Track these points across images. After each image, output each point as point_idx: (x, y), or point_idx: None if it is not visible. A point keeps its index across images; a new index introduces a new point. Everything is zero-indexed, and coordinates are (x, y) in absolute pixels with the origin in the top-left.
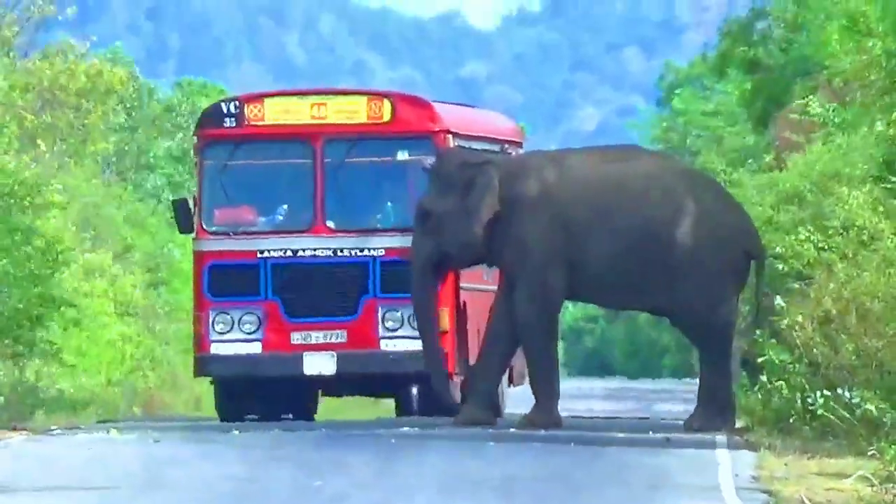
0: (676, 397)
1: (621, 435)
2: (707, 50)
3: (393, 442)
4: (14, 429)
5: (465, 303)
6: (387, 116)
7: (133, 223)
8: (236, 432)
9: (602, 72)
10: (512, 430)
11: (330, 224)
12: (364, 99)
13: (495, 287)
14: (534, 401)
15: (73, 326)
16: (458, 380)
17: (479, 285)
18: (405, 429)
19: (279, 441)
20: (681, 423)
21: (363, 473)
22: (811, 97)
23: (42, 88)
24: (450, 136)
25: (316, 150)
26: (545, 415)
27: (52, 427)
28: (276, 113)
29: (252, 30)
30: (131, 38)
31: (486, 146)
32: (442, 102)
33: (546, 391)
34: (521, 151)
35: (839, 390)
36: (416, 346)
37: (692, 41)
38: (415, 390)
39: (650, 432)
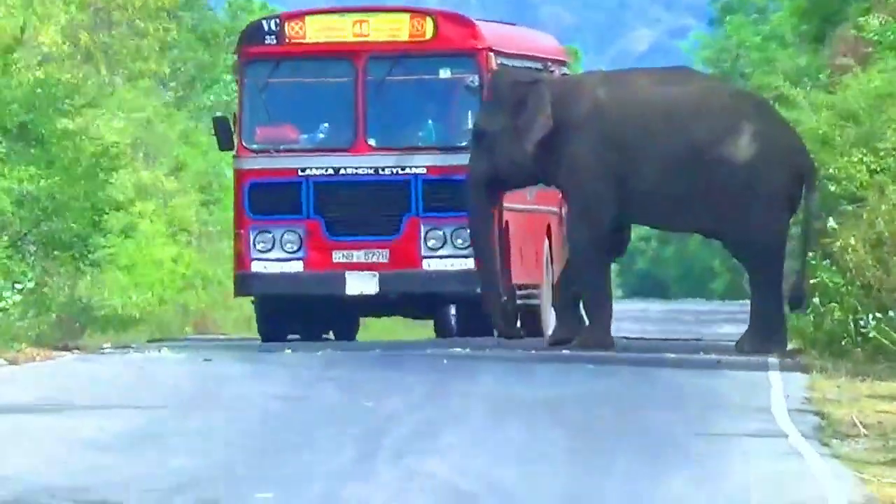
0: (728, 319)
1: (672, 356)
2: None
3: (445, 363)
4: (65, 347)
5: (507, 223)
6: (429, 34)
7: (186, 141)
8: (288, 352)
9: None
10: (565, 350)
11: (371, 142)
12: (406, 16)
13: (538, 207)
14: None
15: (125, 237)
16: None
17: (521, 205)
18: (457, 349)
19: (330, 361)
20: (732, 344)
21: (415, 395)
22: (868, 15)
23: (97, 7)
24: (492, 54)
25: (357, 68)
26: (598, 335)
27: (104, 346)
28: (318, 31)
29: None
30: None
31: (529, 64)
32: (485, 20)
33: (598, 311)
34: (564, 70)
35: (891, 312)
36: (459, 265)
37: None
38: (453, 310)
39: (701, 354)
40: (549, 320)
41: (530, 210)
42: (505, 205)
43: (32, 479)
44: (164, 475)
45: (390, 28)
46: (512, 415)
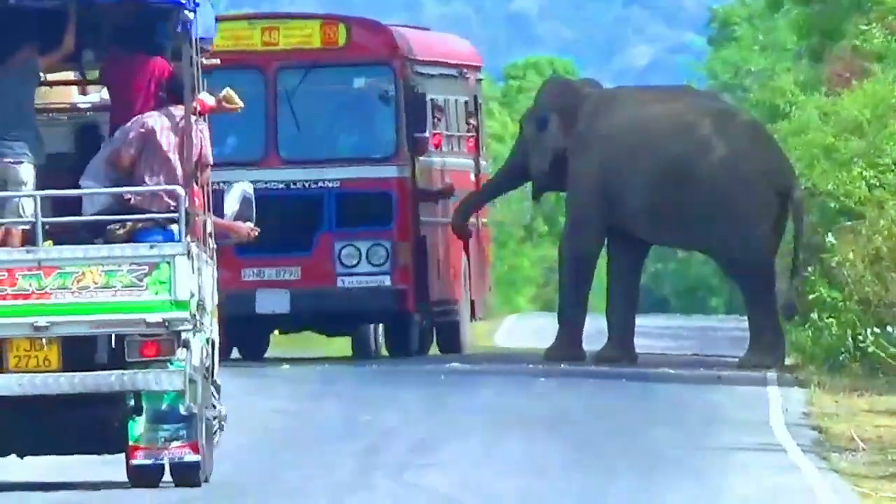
0: (727, 335)
1: (672, 372)
2: None
3: (443, 378)
4: None
5: (424, 237)
6: (342, 42)
7: None
8: (286, 366)
9: (655, 7)
10: (530, 365)
11: (283, 155)
12: (318, 23)
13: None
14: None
15: None
16: (418, 317)
17: (438, 218)
18: (455, 364)
19: (329, 376)
20: (731, 360)
21: (413, 409)
22: (871, 26)
23: None
24: (407, 61)
25: (267, 77)
26: (567, 347)
27: None
28: (224, 38)
29: None
30: None
31: (444, 71)
32: (398, 26)
33: (570, 325)
34: (478, 76)
35: (889, 328)
36: (374, 282)
37: None
38: (375, 329)
39: (701, 369)
40: (468, 336)
41: (448, 223)
42: (422, 218)
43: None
44: (166, 490)
45: (301, 36)
46: (511, 429)
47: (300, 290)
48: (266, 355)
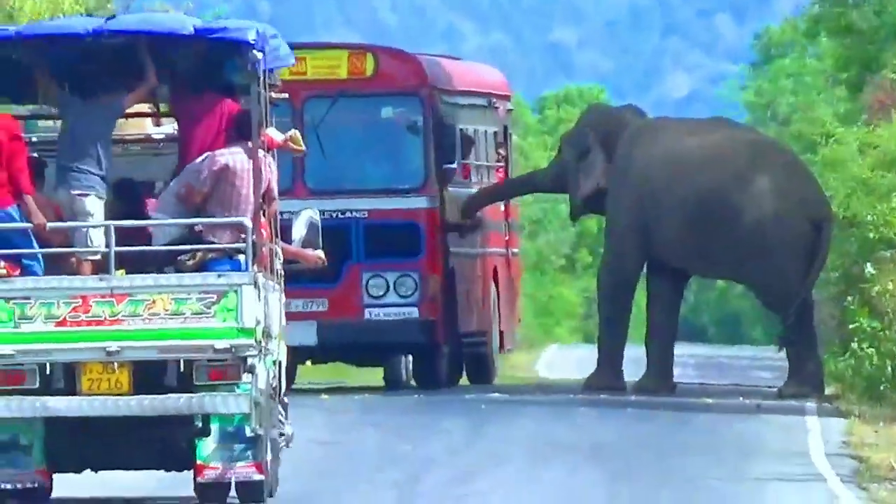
0: (767, 364)
1: (712, 401)
2: (799, 13)
3: (483, 407)
4: None
5: (453, 268)
6: (370, 72)
7: None
8: (325, 397)
9: (693, 38)
10: (570, 395)
11: (310, 185)
12: (345, 53)
13: (485, 249)
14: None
15: None
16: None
17: (467, 249)
18: (495, 395)
19: (368, 406)
20: (771, 389)
21: (453, 439)
22: None
23: None
24: (436, 91)
25: (295, 107)
26: (607, 377)
27: None
28: None
29: None
30: (219, 5)
31: (474, 100)
32: (427, 55)
33: (609, 355)
34: (508, 105)
35: None
36: (402, 314)
37: (783, 8)
38: (406, 360)
39: (741, 399)
40: (497, 367)
41: (477, 254)
42: (450, 249)
43: None
44: None
45: (329, 65)
46: (551, 458)
47: (327, 321)
48: (296, 385)
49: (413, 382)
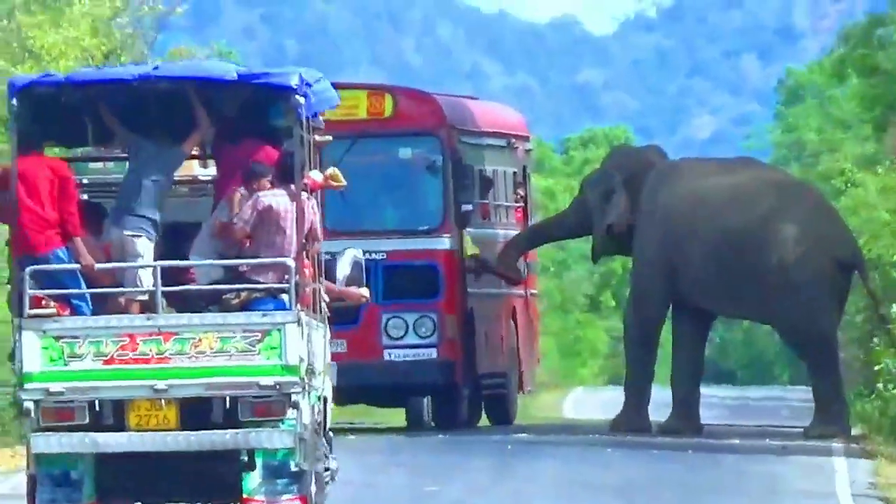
0: (793, 406)
1: (737, 442)
2: (825, 54)
3: (509, 448)
4: None
5: (472, 309)
6: (388, 112)
7: None
8: (352, 437)
9: (719, 78)
10: (596, 436)
11: (328, 226)
12: (364, 93)
13: (502, 290)
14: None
15: None
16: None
17: (487, 289)
18: (522, 435)
19: (395, 446)
20: (797, 430)
21: (480, 479)
22: None
23: None
24: (454, 131)
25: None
26: (632, 418)
27: None
28: None
29: (370, 34)
30: (247, 44)
31: (492, 141)
32: (446, 95)
33: (635, 395)
34: (527, 145)
35: None
36: (421, 355)
37: (809, 49)
38: (426, 401)
39: (767, 440)
40: (517, 408)
41: (496, 294)
42: (469, 290)
43: None
44: None
45: (347, 105)
46: (578, 498)
47: (346, 363)
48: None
49: (433, 423)
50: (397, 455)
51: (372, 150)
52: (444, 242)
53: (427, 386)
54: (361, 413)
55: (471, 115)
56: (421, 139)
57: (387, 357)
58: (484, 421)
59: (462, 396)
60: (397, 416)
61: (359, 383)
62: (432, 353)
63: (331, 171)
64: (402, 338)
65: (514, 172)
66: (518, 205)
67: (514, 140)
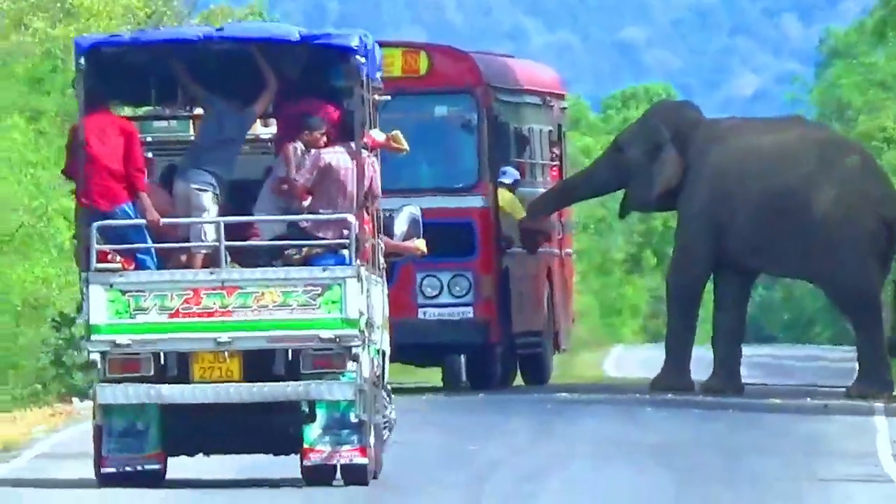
0: (834, 365)
1: (779, 402)
2: (866, 15)
3: (549, 407)
4: None
5: (507, 268)
6: (423, 70)
7: None
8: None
9: (760, 37)
10: (636, 395)
11: None
12: (399, 51)
13: (540, 249)
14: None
15: None
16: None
17: (521, 249)
18: (562, 394)
19: (434, 406)
20: (838, 390)
21: (519, 439)
22: None
23: None
24: (490, 89)
25: None
26: (673, 377)
27: None
28: None
29: None
30: (287, 3)
31: (528, 99)
32: (482, 53)
33: (676, 355)
34: (563, 103)
35: None
36: (456, 314)
37: (850, 9)
38: (462, 359)
39: (808, 399)
40: (552, 367)
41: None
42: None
43: None
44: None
45: (382, 64)
46: (617, 459)
47: None
48: None
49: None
50: (434, 415)
51: (407, 108)
52: (479, 201)
53: (462, 345)
54: (397, 372)
55: (506, 72)
56: (456, 97)
57: (421, 316)
58: (518, 381)
59: (497, 356)
60: (434, 376)
61: (394, 342)
62: (467, 312)
63: (393, 133)
64: (436, 297)
65: (550, 131)
66: (554, 163)
67: (549, 98)
